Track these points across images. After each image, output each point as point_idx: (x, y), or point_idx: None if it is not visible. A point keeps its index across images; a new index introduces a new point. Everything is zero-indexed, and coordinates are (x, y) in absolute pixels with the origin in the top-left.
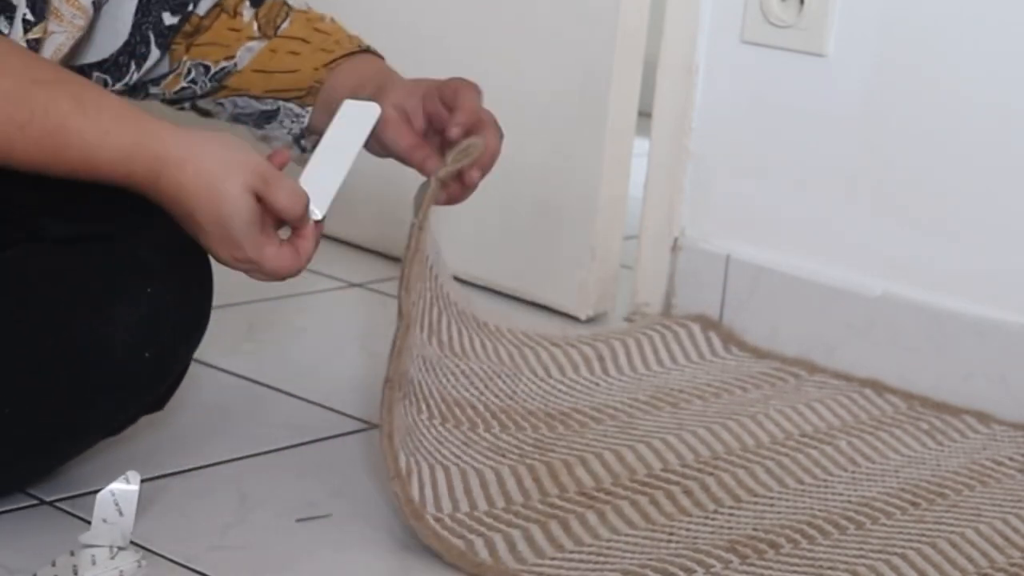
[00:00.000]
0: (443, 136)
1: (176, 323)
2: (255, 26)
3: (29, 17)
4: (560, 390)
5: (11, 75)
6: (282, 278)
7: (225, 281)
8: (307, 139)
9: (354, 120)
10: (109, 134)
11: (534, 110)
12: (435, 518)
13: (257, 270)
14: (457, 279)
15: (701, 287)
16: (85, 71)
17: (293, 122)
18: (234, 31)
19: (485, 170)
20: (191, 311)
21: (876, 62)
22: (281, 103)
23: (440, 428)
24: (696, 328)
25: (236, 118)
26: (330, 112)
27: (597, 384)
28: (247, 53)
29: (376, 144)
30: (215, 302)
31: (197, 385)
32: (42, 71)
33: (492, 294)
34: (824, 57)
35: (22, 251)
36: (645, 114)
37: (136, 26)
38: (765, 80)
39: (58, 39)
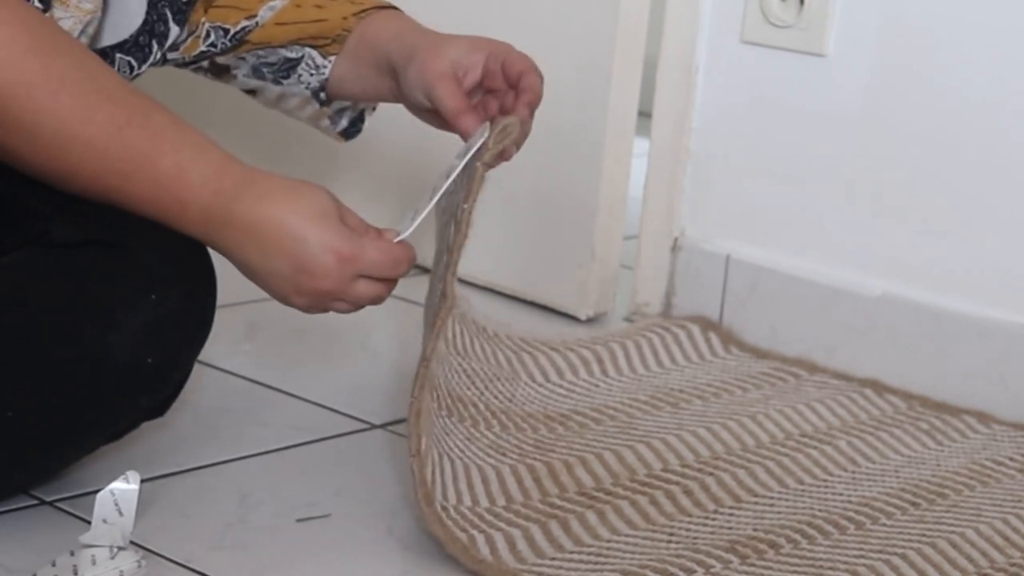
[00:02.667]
0: (489, 102)
1: (179, 330)
2: None
3: (37, 4)
4: (559, 393)
5: (114, 82)
6: (378, 288)
7: (225, 281)
8: (326, 91)
9: (473, 144)
10: (202, 149)
11: None
12: (441, 507)
13: (340, 292)
14: (457, 279)
15: (701, 287)
16: (107, 54)
17: (312, 75)
18: None
19: (519, 146)
20: (195, 318)
21: (876, 62)
22: (307, 49)
23: (446, 420)
24: (696, 329)
25: (256, 69)
26: (360, 58)
27: (596, 386)
28: (269, 12)
29: (422, 95)
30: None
31: (197, 385)
32: (137, 89)
33: (492, 294)
34: (824, 57)
35: (27, 255)
36: (645, 114)
37: (152, 4)
38: (765, 80)
39: (65, 24)
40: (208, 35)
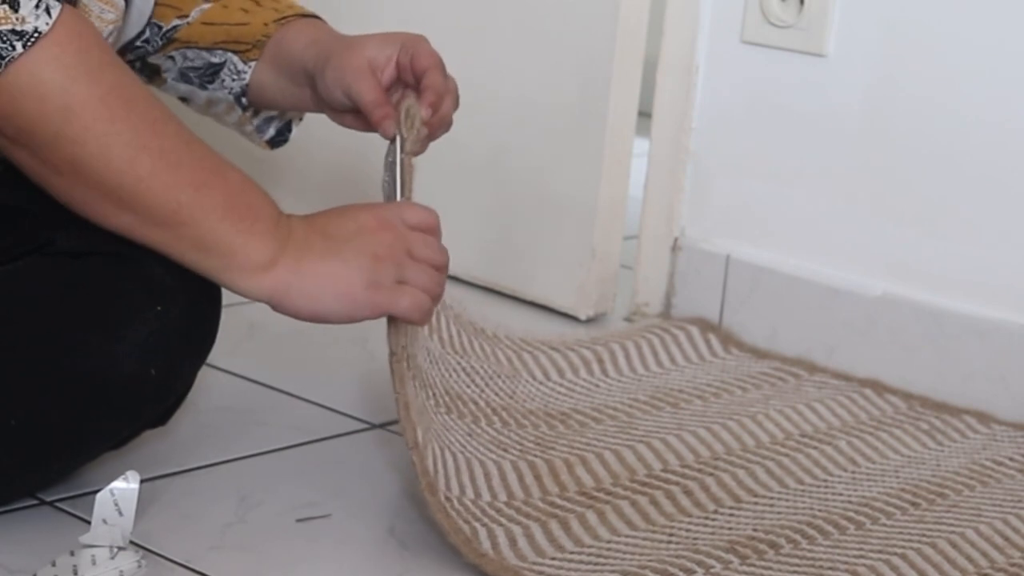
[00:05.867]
0: (408, 96)
1: (184, 341)
2: None
3: None
4: (560, 392)
5: (162, 103)
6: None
7: None
8: (248, 97)
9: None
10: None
11: (534, 110)
12: (445, 497)
13: (403, 241)
14: (457, 279)
15: (701, 287)
16: None
17: (234, 80)
18: None
19: (434, 136)
20: (199, 329)
21: (876, 62)
22: (229, 55)
23: (446, 416)
24: (695, 330)
25: (183, 74)
26: (278, 66)
27: (597, 385)
28: (198, 12)
29: (341, 94)
30: None
31: (198, 385)
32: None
33: (492, 294)
34: (824, 57)
35: (32, 264)
36: (645, 114)
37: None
38: (765, 80)
39: None
40: (143, 32)
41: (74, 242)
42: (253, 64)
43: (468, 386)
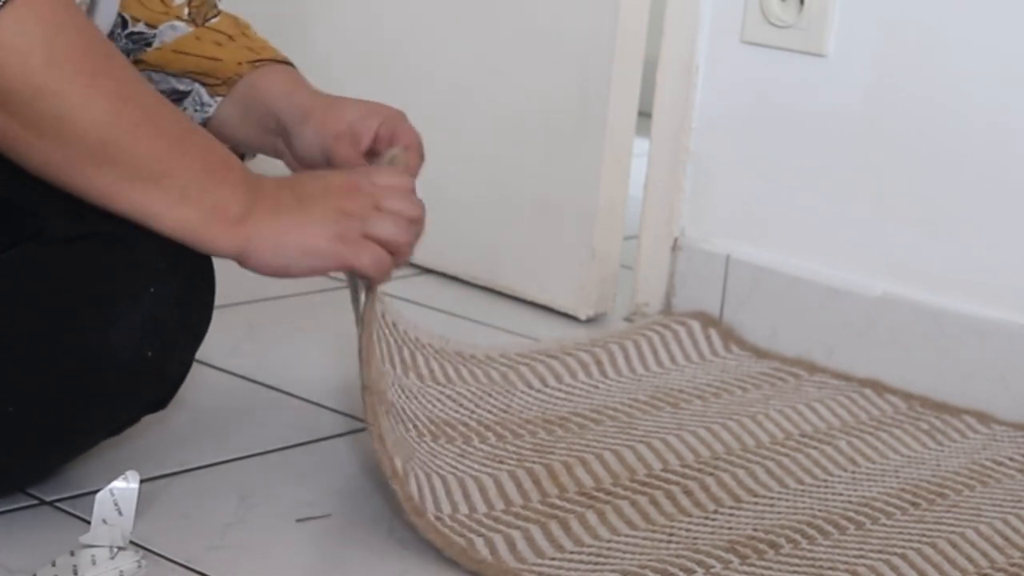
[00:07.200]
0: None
1: (179, 323)
2: (186, 10)
3: None
4: (558, 397)
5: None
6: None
7: (225, 281)
8: (207, 129)
9: None
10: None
11: (534, 110)
12: (435, 517)
13: (367, 187)
14: (457, 279)
15: (701, 287)
16: None
17: (196, 111)
18: (163, 2)
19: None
20: (194, 311)
21: (876, 62)
22: (196, 85)
23: (432, 444)
24: (696, 326)
25: None
26: (246, 107)
27: (596, 387)
28: (171, 31)
29: (319, 153)
30: (216, 302)
31: (197, 385)
32: None
33: (492, 294)
34: (824, 57)
35: (25, 251)
36: (645, 114)
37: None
38: (765, 80)
39: None
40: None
41: (64, 228)
42: (219, 100)
43: (455, 411)
